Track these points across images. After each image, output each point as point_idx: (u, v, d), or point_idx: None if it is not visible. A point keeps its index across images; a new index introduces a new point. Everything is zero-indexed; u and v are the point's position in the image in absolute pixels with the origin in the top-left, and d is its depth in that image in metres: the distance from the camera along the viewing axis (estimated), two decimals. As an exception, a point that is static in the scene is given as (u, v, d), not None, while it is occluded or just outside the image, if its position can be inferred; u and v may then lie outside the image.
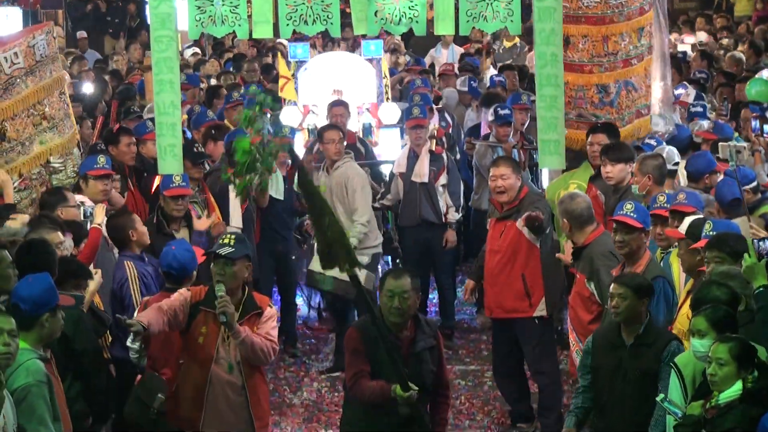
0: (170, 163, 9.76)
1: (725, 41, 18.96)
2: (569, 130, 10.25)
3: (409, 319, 7.19)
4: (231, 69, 16.98)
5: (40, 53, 9.72)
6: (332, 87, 13.05)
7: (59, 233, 7.72)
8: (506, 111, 12.15)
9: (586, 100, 10.53)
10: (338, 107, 12.31)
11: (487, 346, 11.64)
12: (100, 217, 8.77)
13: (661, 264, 8.22)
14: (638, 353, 7.10)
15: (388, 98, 13.45)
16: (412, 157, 11.68)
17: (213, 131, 11.55)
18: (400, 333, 7.17)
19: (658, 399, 6.58)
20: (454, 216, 11.67)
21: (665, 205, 8.31)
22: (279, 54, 15.22)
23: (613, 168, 9.57)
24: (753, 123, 11.37)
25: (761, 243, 7.05)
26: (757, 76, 12.95)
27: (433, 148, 11.60)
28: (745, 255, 6.69)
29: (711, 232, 7.34)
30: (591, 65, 10.53)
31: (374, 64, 13.40)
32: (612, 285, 7.28)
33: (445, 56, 18.57)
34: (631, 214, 7.90)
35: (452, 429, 9.65)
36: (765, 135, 11.05)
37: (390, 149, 12.90)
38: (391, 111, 13.14)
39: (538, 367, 9.48)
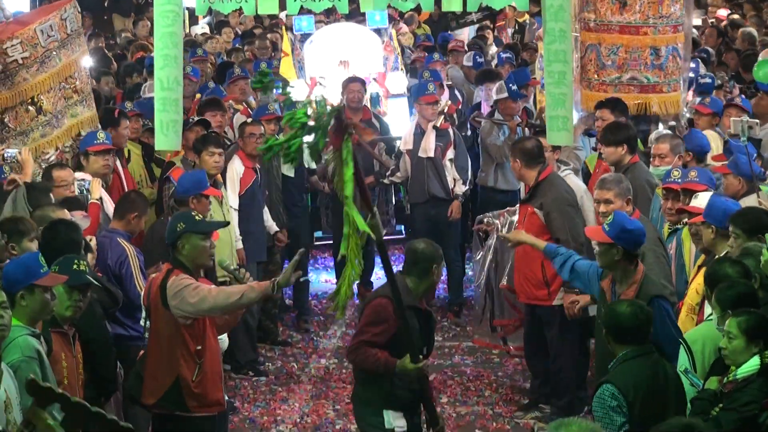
0: (171, 138, 9.69)
1: (749, 13, 18.82)
2: (622, 94, 10.32)
3: None
4: (238, 45, 16.90)
5: (71, 27, 9.74)
6: (338, 58, 12.97)
7: (65, 211, 7.71)
8: (515, 86, 12.05)
9: (640, 62, 10.52)
10: (355, 83, 12.13)
11: (494, 323, 11.61)
12: (97, 192, 8.76)
13: (674, 241, 8.14)
14: None
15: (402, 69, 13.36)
16: (418, 133, 11.60)
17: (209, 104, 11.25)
18: (423, 302, 7.16)
19: (679, 370, 6.51)
20: (460, 188, 11.59)
21: (678, 180, 8.21)
22: (284, 28, 15.06)
23: (606, 150, 9.45)
24: None
25: None
26: (761, 56, 12.79)
27: (439, 124, 11.52)
28: (764, 251, 6.54)
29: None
30: (646, 27, 10.54)
31: (380, 33, 13.35)
32: None
33: (466, 33, 18.39)
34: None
35: (460, 405, 9.66)
36: None
37: (398, 119, 12.83)
38: (399, 80, 13.06)
39: (556, 352, 9.32)
